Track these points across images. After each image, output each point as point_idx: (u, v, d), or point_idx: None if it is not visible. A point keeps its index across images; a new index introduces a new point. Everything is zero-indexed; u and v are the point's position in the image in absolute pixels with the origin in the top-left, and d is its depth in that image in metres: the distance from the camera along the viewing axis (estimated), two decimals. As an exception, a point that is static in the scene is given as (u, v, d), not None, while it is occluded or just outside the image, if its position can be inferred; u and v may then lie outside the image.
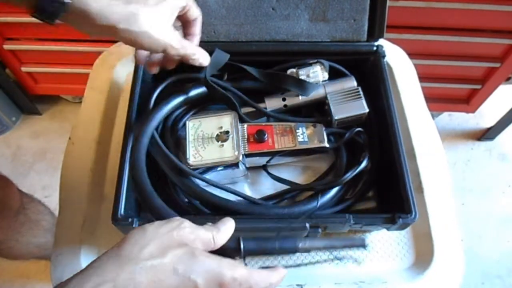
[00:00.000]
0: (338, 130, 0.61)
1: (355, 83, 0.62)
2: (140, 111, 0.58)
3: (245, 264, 0.40)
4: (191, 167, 0.55)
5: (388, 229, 0.54)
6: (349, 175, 0.55)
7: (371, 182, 0.59)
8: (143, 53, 0.51)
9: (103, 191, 0.61)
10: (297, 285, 0.53)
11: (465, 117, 1.59)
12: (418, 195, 0.59)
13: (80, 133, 0.66)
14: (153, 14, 0.43)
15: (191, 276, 0.34)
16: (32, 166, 1.50)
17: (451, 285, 0.55)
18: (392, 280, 0.55)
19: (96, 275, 0.32)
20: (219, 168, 0.57)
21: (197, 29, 0.52)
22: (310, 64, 0.62)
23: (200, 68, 0.56)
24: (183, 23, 0.52)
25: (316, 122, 0.60)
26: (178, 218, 0.40)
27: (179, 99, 0.59)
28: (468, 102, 1.36)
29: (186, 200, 0.56)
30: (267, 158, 0.60)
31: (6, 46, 1.28)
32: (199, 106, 0.64)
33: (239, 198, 0.56)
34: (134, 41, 0.43)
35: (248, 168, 0.61)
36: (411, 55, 0.74)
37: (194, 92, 0.60)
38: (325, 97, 0.61)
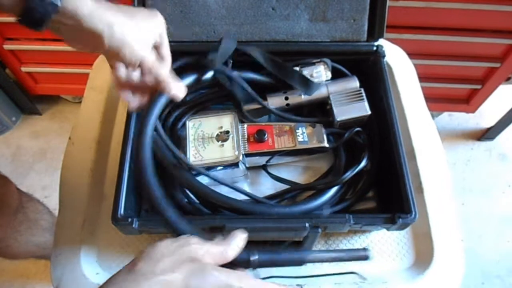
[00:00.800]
0: (338, 130, 0.61)
1: (357, 84, 0.62)
2: (139, 112, 0.58)
3: (255, 275, 0.41)
4: (192, 167, 0.55)
5: (388, 229, 0.54)
6: (349, 175, 0.55)
7: (371, 182, 0.59)
8: (122, 72, 0.50)
9: (103, 191, 0.61)
10: (297, 285, 0.53)
11: (465, 117, 1.59)
12: (418, 195, 0.59)
13: (80, 133, 0.66)
14: (138, 28, 0.45)
15: None
16: (32, 166, 1.50)
17: (451, 285, 0.55)
18: (392, 280, 0.55)
19: None
20: (219, 168, 0.57)
21: (166, 68, 0.52)
22: (314, 64, 0.62)
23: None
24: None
25: (317, 122, 0.60)
26: (186, 236, 0.41)
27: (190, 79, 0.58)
28: (468, 102, 1.36)
29: (186, 200, 0.56)
30: (267, 158, 0.60)
31: (6, 46, 1.28)
32: (199, 106, 0.64)
33: (239, 197, 0.56)
34: (115, 50, 0.44)
35: (248, 168, 0.61)
36: (411, 55, 0.74)
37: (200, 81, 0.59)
38: (328, 97, 0.61)
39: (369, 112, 0.59)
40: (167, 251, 0.37)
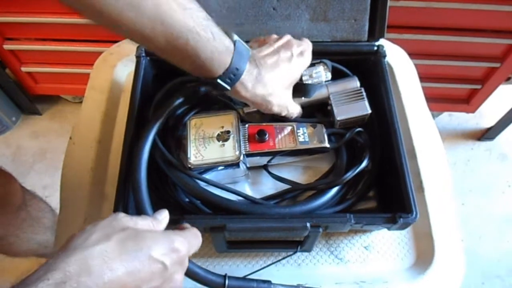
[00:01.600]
0: (338, 130, 0.61)
1: (358, 84, 0.62)
2: (141, 111, 0.58)
3: None
4: (192, 167, 0.55)
5: (388, 228, 0.54)
6: (350, 175, 0.55)
7: (372, 182, 0.59)
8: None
9: (103, 191, 0.61)
10: (297, 284, 0.53)
11: (465, 117, 1.59)
12: (418, 195, 0.59)
13: (81, 132, 0.66)
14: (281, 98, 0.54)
15: (143, 250, 0.36)
16: (32, 166, 1.50)
17: (452, 285, 0.55)
18: (393, 280, 0.55)
19: (43, 270, 0.32)
20: (220, 168, 0.57)
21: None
22: (313, 64, 0.62)
23: None
24: None
25: (318, 123, 0.60)
26: (112, 213, 0.42)
27: (180, 101, 0.58)
28: (468, 102, 1.36)
29: (187, 200, 0.56)
30: (268, 158, 0.60)
31: (6, 46, 1.28)
32: (200, 106, 0.64)
33: (241, 197, 0.56)
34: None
35: (249, 168, 0.61)
36: (412, 55, 0.74)
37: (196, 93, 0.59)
38: (328, 98, 0.61)
39: (370, 111, 0.59)
40: (97, 227, 0.37)
